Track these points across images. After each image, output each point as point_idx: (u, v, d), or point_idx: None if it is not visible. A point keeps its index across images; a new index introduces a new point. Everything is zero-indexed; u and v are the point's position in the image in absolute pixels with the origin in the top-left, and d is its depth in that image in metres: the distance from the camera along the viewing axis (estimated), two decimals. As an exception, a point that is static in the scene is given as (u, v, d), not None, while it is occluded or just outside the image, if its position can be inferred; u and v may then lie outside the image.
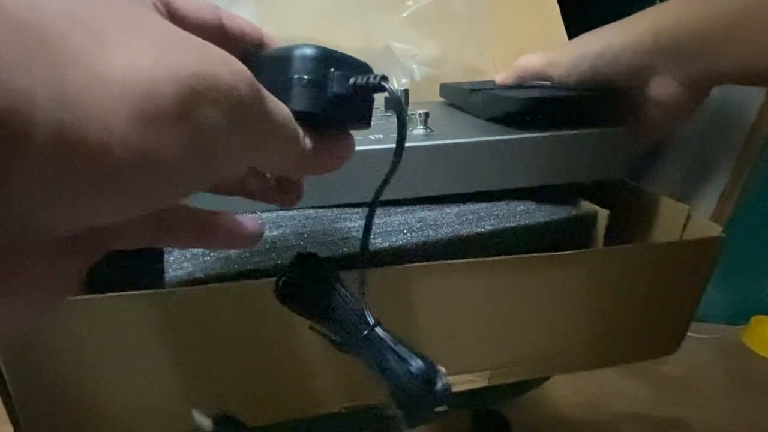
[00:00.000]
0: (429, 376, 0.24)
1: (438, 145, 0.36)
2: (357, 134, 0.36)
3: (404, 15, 0.62)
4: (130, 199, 0.12)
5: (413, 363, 0.24)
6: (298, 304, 0.27)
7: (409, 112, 0.44)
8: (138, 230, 0.19)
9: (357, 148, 0.33)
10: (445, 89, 0.55)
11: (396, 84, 0.60)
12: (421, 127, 0.37)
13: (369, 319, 0.26)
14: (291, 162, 0.18)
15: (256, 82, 0.15)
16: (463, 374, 0.37)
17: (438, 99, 0.57)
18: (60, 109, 0.10)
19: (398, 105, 0.21)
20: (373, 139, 0.36)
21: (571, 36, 0.60)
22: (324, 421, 0.38)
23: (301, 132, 0.18)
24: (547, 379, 0.63)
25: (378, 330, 0.25)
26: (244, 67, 0.14)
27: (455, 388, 0.37)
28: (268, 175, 0.24)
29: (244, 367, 0.32)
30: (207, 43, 0.13)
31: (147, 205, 0.13)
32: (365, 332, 0.25)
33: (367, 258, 0.25)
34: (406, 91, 0.44)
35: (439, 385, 0.25)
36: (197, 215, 0.22)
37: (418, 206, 0.38)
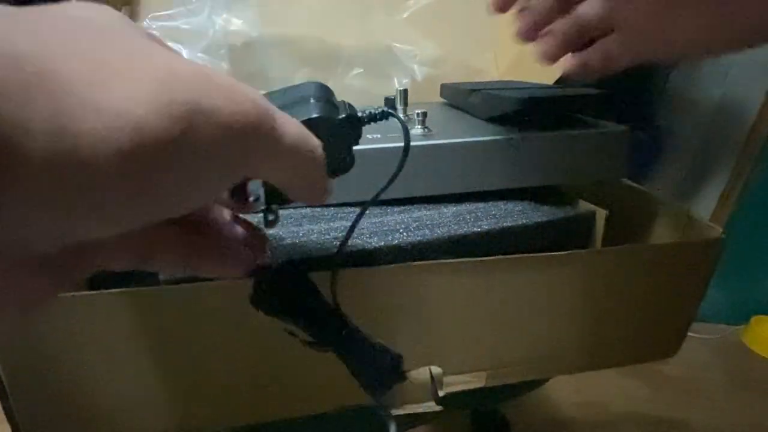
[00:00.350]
0: (399, 363, 0.29)
1: (434, 145, 0.36)
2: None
3: (405, 15, 0.62)
4: (118, 218, 0.13)
5: (389, 354, 0.29)
6: (272, 308, 0.28)
7: (407, 112, 0.43)
8: (124, 252, 0.20)
9: (356, 147, 0.33)
10: (445, 89, 0.55)
11: (397, 84, 0.60)
12: (419, 126, 0.37)
13: (347, 320, 0.28)
14: (308, 176, 0.19)
15: (265, 106, 0.15)
16: (460, 374, 0.37)
17: (439, 99, 0.57)
18: (54, 138, 0.10)
19: (405, 130, 0.25)
20: (371, 138, 0.36)
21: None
22: (320, 422, 0.38)
23: (317, 143, 0.18)
24: (547, 379, 0.63)
25: (353, 328, 0.29)
26: (249, 95, 0.15)
27: (454, 389, 0.37)
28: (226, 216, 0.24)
29: (238, 365, 0.32)
30: (211, 74, 0.14)
31: (133, 224, 0.13)
32: (344, 331, 0.28)
33: (339, 259, 0.28)
34: (405, 92, 0.44)
35: (403, 368, 0.30)
36: (186, 239, 0.21)
37: (414, 206, 0.38)
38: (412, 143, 0.35)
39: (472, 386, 0.38)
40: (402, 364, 0.29)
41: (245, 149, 0.15)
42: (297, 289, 0.28)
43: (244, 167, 0.16)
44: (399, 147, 0.34)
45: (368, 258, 0.32)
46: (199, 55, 0.54)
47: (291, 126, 0.17)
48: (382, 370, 0.29)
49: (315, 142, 0.18)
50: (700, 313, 0.42)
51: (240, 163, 0.15)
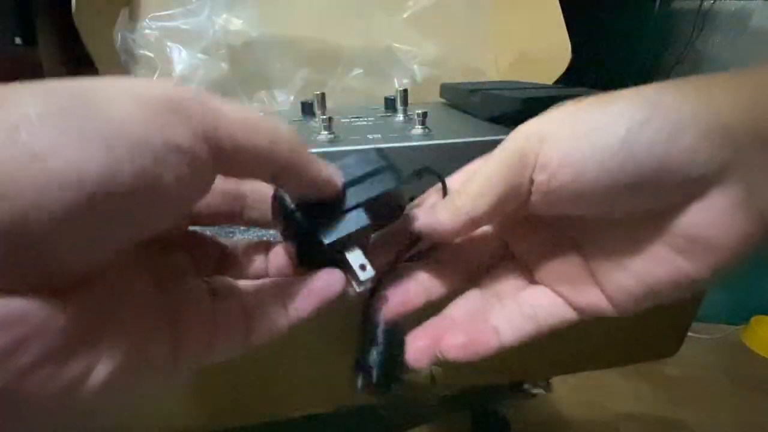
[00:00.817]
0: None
1: (435, 145, 0.36)
2: (356, 133, 0.37)
3: (405, 16, 0.62)
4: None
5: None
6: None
7: (407, 112, 0.44)
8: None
9: (356, 147, 0.33)
10: (445, 89, 0.55)
11: (397, 84, 0.60)
12: (419, 126, 0.37)
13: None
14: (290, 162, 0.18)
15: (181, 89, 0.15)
16: (460, 374, 0.37)
17: (439, 99, 0.57)
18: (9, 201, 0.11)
19: (443, 184, 0.24)
20: (371, 138, 0.36)
21: (572, 37, 0.60)
22: (321, 422, 0.38)
23: (270, 123, 0.17)
24: (547, 379, 0.63)
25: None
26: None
27: (453, 389, 0.37)
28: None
29: (237, 365, 0.32)
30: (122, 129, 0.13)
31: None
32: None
33: None
34: (405, 92, 0.44)
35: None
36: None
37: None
38: (411, 143, 0.35)
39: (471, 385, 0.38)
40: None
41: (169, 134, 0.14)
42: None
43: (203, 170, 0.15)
44: (399, 147, 0.34)
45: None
46: (199, 55, 0.54)
47: (235, 110, 0.16)
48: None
49: (268, 123, 0.17)
50: (700, 313, 0.42)
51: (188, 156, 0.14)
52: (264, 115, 0.17)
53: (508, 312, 0.23)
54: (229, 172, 0.17)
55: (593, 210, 0.20)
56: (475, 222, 0.21)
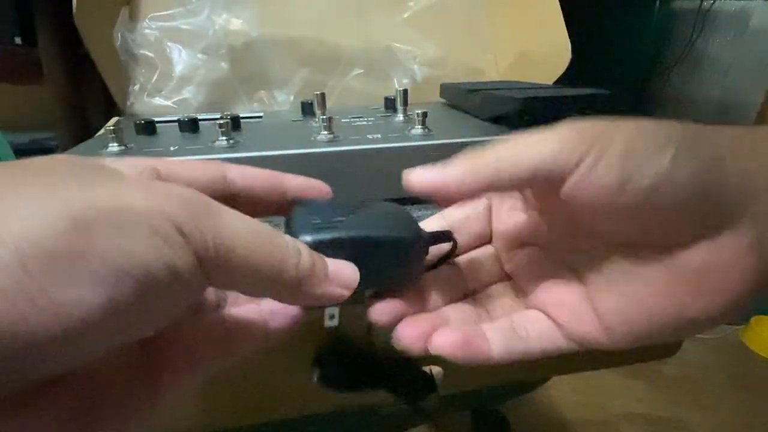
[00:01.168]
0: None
1: (435, 145, 0.36)
2: (356, 133, 0.37)
3: (405, 16, 0.62)
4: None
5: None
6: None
7: (407, 112, 0.44)
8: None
9: (356, 147, 0.33)
10: (445, 89, 0.55)
11: (397, 84, 0.60)
12: (419, 126, 0.37)
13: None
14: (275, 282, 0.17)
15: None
16: (460, 374, 0.37)
17: (439, 99, 0.57)
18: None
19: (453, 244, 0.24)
20: (371, 138, 0.36)
21: (572, 37, 0.60)
22: (322, 422, 0.38)
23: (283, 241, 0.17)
24: (547, 379, 0.63)
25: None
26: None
27: (454, 389, 0.37)
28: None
29: (236, 365, 0.32)
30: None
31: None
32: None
33: None
34: (405, 92, 0.44)
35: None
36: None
37: (415, 206, 0.38)
38: (411, 143, 0.35)
39: (471, 386, 0.38)
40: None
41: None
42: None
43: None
44: (399, 147, 0.34)
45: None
46: (199, 55, 0.54)
47: (243, 225, 0.16)
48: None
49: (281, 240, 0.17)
50: (700, 313, 0.42)
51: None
52: (275, 234, 0.17)
53: (501, 328, 0.23)
54: (228, 289, 0.16)
55: (622, 211, 0.19)
56: (515, 172, 0.19)
